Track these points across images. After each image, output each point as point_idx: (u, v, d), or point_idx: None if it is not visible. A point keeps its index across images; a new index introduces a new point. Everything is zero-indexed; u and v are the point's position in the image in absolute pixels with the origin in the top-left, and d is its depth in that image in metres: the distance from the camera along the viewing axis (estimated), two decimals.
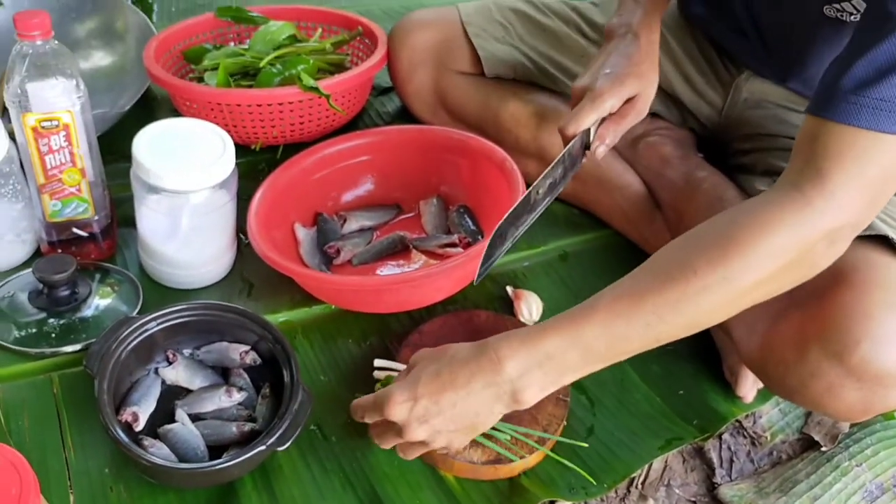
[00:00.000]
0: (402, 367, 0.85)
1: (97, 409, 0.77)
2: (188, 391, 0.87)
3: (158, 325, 0.86)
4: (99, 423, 0.78)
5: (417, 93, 1.25)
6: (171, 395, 0.86)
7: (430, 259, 1.06)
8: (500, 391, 0.71)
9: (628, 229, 1.12)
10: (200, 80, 1.26)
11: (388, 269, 1.06)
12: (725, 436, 0.93)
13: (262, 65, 1.22)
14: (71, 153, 0.94)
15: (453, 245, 1.05)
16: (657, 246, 1.07)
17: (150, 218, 0.97)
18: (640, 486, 0.88)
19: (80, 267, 0.94)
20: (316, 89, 1.14)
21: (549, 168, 0.86)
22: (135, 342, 0.84)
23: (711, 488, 0.89)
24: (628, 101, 0.95)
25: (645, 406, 0.92)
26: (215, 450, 0.80)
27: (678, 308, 0.68)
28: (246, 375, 0.88)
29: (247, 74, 1.26)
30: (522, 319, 0.99)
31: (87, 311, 0.95)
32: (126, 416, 0.81)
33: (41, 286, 0.94)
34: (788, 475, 0.89)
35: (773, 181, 0.97)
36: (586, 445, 0.86)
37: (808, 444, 0.93)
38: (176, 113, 1.24)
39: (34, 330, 0.92)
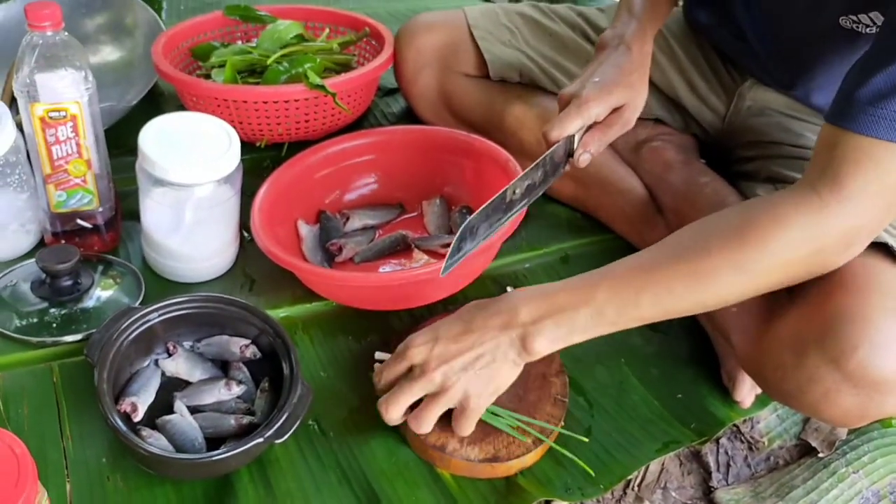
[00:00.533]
0: None
1: (96, 399, 0.78)
2: (187, 383, 0.87)
3: (159, 316, 0.86)
4: (97, 412, 0.78)
5: (422, 94, 1.26)
6: (171, 387, 0.86)
7: (431, 258, 1.07)
8: (513, 335, 0.75)
9: (630, 233, 1.13)
10: (208, 76, 1.27)
11: (389, 268, 1.06)
12: (723, 440, 0.93)
13: (269, 62, 1.22)
14: (77, 144, 0.94)
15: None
16: None
17: (155, 211, 0.97)
18: (636, 488, 0.88)
19: (83, 258, 0.95)
20: (322, 87, 1.15)
21: (528, 169, 0.86)
22: (135, 333, 0.84)
23: (708, 492, 0.89)
24: (615, 110, 0.95)
25: (643, 409, 0.92)
26: (213, 442, 0.80)
27: (688, 284, 0.71)
28: (245, 369, 0.88)
29: (254, 72, 1.27)
30: None
31: (89, 302, 0.95)
32: (125, 406, 0.81)
33: (44, 276, 0.94)
34: (785, 480, 0.89)
35: (776, 188, 0.98)
36: (586, 440, 0.86)
37: (805, 450, 0.93)
38: (182, 109, 1.25)
39: (36, 319, 0.93)
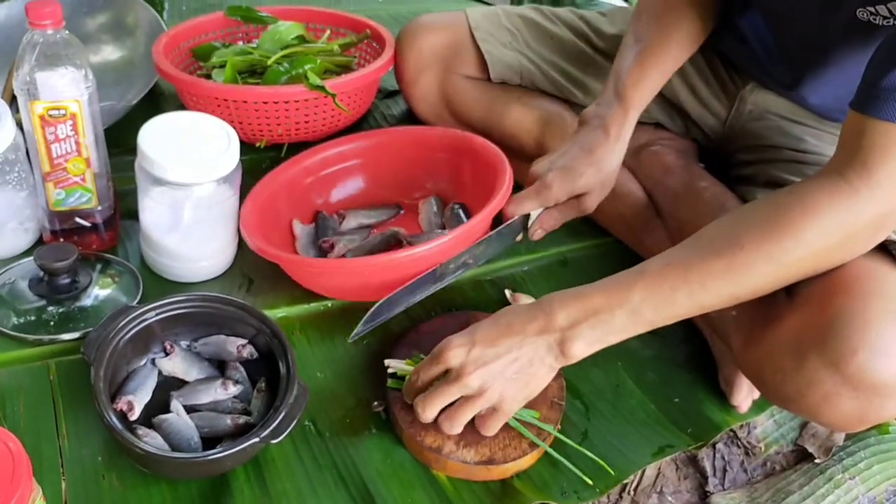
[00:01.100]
0: (409, 369, 0.86)
1: (93, 397, 0.77)
2: (184, 382, 0.87)
3: (157, 315, 0.86)
4: (93, 411, 0.78)
5: (423, 95, 1.26)
6: (168, 386, 0.86)
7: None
8: (550, 340, 0.76)
9: (629, 237, 1.13)
10: (208, 77, 1.27)
11: None
12: (719, 445, 0.93)
13: (269, 63, 1.23)
14: (77, 143, 0.94)
15: None
16: (657, 254, 1.09)
17: (153, 210, 0.97)
18: (632, 492, 0.88)
19: (81, 256, 0.94)
20: (322, 88, 1.15)
21: (470, 246, 0.91)
22: (133, 331, 0.84)
23: (704, 497, 0.89)
24: (577, 195, 0.97)
25: (640, 413, 0.92)
26: (209, 441, 0.80)
27: (723, 279, 0.73)
28: (242, 369, 0.88)
29: (254, 73, 1.27)
30: None
31: (87, 301, 0.95)
32: (121, 404, 0.81)
33: (42, 274, 0.94)
34: (781, 486, 0.88)
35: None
36: (582, 449, 0.86)
37: (801, 456, 0.93)
38: (183, 108, 1.25)
39: (33, 317, 0.93)
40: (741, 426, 0.94)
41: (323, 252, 1.06)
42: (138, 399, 0.83)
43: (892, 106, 0.68)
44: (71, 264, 0.92)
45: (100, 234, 1.03)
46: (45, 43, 0.89)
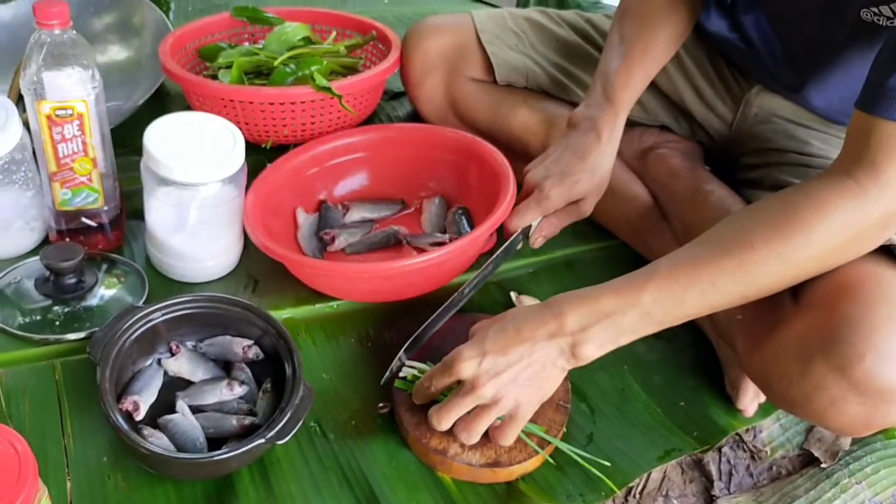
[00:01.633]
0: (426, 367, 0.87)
1: (98, 397, 0.77)
2: (190, 383, 0.87)
3: (163, 315, 0.86)
4: (99, 411, 0.78)
5: (429, 97, 1.26)
6: (173, 387, 0.86)
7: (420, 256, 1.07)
8: (562, 344, 0.75)
9: (634, 240, 1.12)
10: (215, 77, 1.27)
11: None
12: (725, 449, 0.92)
13: (275, 64, 1.23)
14: (83, 142, 0.94)
15: (443, 244, 1.05)
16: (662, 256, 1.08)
17: (159, 210, 0.97)
18: (637, 496, 0.88)
19: (87, 256, 0.94)
20: (328, 89, 1.15)
21: (481, 269, 0.94)
22: (139, 332, 0.84)
23: (709, 501, 0.88)
24: (574, 201, 0.97)
25: (645, 416, 0.92)
26: (215, 442, 0.80)
27: (733, 279, 0.73)
28: (248, 370, 0.88)
29: (260, 74, 1.27)
30: None
31: (93, 301, 0.95)
32: (127, 404, 0.81)
33: (48, 273, 0.94)
34: (787, 490, 0.88)
35: None
36: (584, 450, 0.85)
37: (807, 460, 0.93)
38: (189, 109, 1.25)
39: (39, 317, 0.93)
40: (747, 430, 0.94)
41: (323, 244, 1.07)
42: (144, 399, 0.83)
43: None
44: (77, 264, 0.92)
45: (106, 234, 1.03)
46: (52, 43, 0.89)
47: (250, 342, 0.89)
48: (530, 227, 0.97)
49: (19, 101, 1.10)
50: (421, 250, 1.07)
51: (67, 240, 1.00)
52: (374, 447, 0.84)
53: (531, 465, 0.83)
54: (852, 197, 0.71)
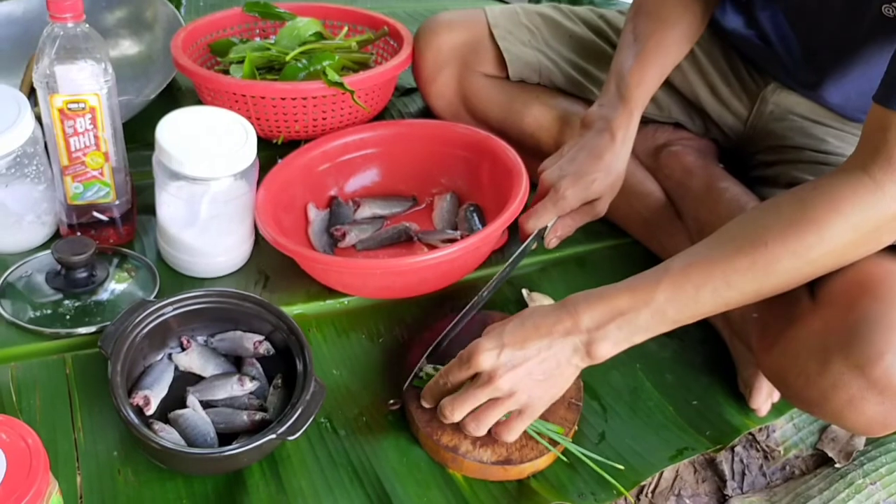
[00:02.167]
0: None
1: (109, 391, 0.77)
2: (200, 378, 0.87)
3: (174, 310, 0.86)
4: (109, 405, 0.78)
5: (441, 93, 1.25)
6: (184, 382, 0.86)
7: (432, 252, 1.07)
8: (577, 342, 0.75)
9: (647, 238, 1.12)
10: (226, 72, 1.27)
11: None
12: (738, 448, 0.92)
13: (287, 59, 1.22)
14: (96, 136, 0.94)
15: (454, 241, 1.05)
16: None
17: (170, 204, 0.97)
18: (650, 495, 0.87)
19: (98, 250, 0.94)
20: (340, 84, 1.14)
21: (499, 272, 0.94)
22: (150, 326, 0.84)
23: (722, 500, 0.88)
24: (589, 201, 0.97)
25: (658, 415, 0.91)
26: (225, 437, 0.80)
27: (747, 277, 0.72)
28: (259, 365, 0.88)
29: (272, 69, 1.26)
30: None
31: (104, 295, 0.95)
32: (138, 399, 0.81)
33: (59, 267, 0.94)
34: (801, 490, 0.87)
35: None
36: (596, 448, 0.85)
37: (821, 460, 0.92)
38: (200, 104, 1.24)
39: (50, 311, 0.93)
40: (760, 429, 0.93)
41: (334, 240, 1.06)
42: (155, 394, 0.82)
43: None
44: (88, 258, 0.92)
45: (117, 229, 1.03)
46: (65, 36, 0.89)
47: (261, 338, 0.88)
48: (545, 227, 0.97)
49: (31, 94, 1.10)
50: (432, 247, 1.07)
51: (79, 234, 1.00)
52: (384, 444, 0.84)
53: (542, 462, 0.82)
54: (868, 194, 0.70)
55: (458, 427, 0.80)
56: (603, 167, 0.95)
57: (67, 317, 0.92)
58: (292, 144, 1.23)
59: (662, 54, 0.99)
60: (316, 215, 1.10)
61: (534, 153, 1.13)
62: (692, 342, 1.00)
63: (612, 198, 0.99)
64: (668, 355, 0.98)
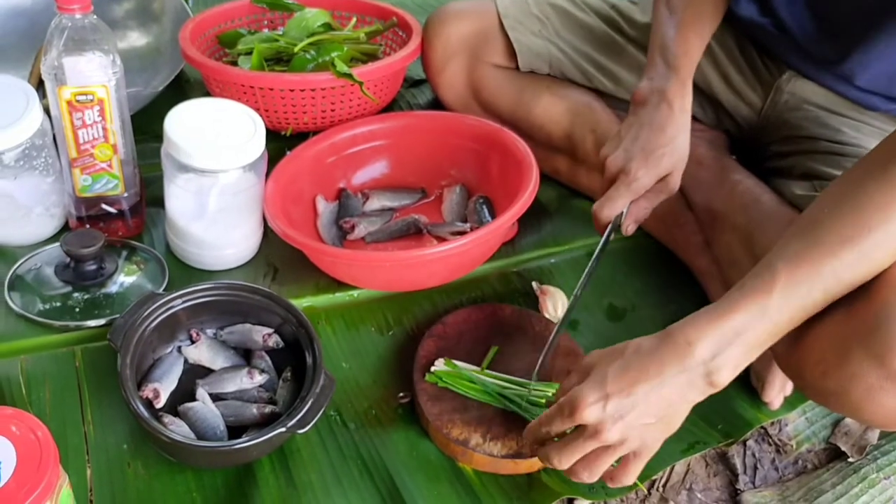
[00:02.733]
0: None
1: (119, 384, 0.77)
2: (210, 371, 0.87)
3: (183, 302, 0.86)
4: (119, 398, 0.77)
5: (450, 84, 1.24)
6: (193, 375, 0.86)
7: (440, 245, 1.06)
8: (692, 376, 0.69)
9: (658, 230, 1.11)
10: (234, 64, 1.26)
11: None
12: (750, 442, 0.91)
13: (295, 50, 1.21)
14: (104, 128, 0.94)
15: (463, 233, 1.04)
16: (686, 248, 1.07)
17: (179, 197, 0.97)
18: (661, 489, 0.86)
19: (107, 243, 0.94)
20: (349, 76, 1.13)
21: (586, 270, 0.90)
22: (159, 319, 0.84)
23: (734, 494, 0.87)
24: (661, 179, 0.93)
25: None
26: (235, 430, 0.80)
27: (855, 268, 0.68)
28: (268, 358, 0.88)
29: (280, 60, 1.26)
30: (547, 315, 0.98)
31: (113, 287, 0.95)
32: (147, 392, 0.81)
33: (68, 260, 0.94)
34: (814, 485, 0.87)
35: (812, 185, 0.96)
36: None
37: (834, 455, 0.91)
38: (208, 95, 1.24)
39: (59, 303, 0.93)
40: (772, 423, 0.92)
41: (343, 232, 1.06)
42: (164, 387, 0.82)
43: None
44: (97, 251, 0.92)
45: (126, 221, 1.03)
46: (73, 27, 0.88)
47: (270, 330, 0.88)
48: (621, 214, 0.92)
49: (40, 86, 1.10)
50: (441, 239, 1.07)
51: (87, 226, 1.00)
52: (394, 437, 0.84)
53: None
54: None
55: (474, 423, 0.79)
56: (668, 140, 0.91)
57: (77, 309, 0.92)
58: (301, 136, 1.23)
59: (700, 22, 0.96)
60: (325, 207, 1.09)
61: (544, 144, 1.12)
62: None
63: (682, 170, 0.94)
64: None
